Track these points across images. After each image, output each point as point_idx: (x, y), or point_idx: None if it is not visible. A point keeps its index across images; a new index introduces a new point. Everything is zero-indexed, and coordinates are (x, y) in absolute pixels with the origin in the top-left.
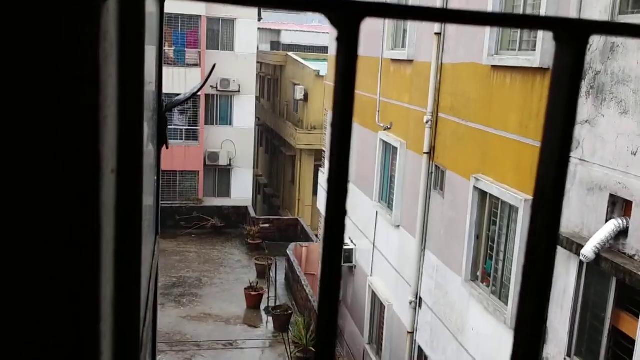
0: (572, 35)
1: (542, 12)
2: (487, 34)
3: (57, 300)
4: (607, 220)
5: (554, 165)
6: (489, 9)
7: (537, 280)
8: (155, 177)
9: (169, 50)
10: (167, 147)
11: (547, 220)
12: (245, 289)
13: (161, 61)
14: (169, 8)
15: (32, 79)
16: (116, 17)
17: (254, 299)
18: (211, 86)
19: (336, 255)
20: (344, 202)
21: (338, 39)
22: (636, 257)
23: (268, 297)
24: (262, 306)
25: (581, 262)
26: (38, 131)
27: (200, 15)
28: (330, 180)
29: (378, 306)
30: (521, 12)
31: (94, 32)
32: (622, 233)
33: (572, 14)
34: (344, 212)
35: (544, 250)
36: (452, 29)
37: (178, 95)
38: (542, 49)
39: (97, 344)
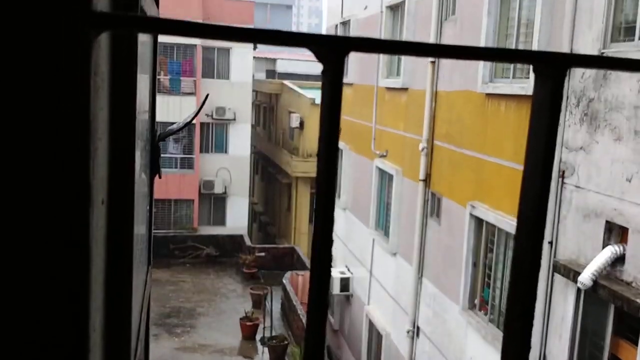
0: (551, 68)
1: (535, 40)
2: (481, 62)
3: (43, 331)
4: (603, 247)
5: (536, 195)
6: (482, 36)
7: (523, 296)
8: (148, 207)
9: (164, 79)
10: (159, 177)
11: (531, 245)
12: (240, 319)
13: (154, 90)
14: (164, 37)
15: (24, 112)
16: (108, 51)
17: (249, 330)
18: (206, 114)
19: (324, 282)
20: (330, 232)
21: (323, 72)
22: (633, 284)
23: (264, 327)
24: (258, 337)
25: (579, 290)
26: (28, 163)
27: (196, 45)
28: (317, 211)
29: (375, 335)
30: (514, 39)
31: (85, 67)
32: (619, 260)
33: (565, 41)
34: (330, 242)
35: (528, 270)
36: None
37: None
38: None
39: None
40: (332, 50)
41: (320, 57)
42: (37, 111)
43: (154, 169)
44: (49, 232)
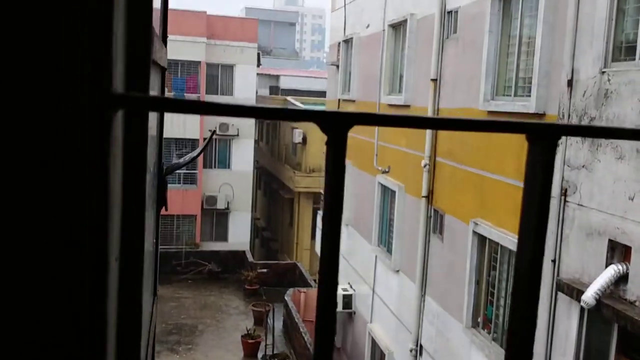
0: (543, 137)
1: (536, 58)
2: (483, 78)
3: None
4: (606, 266)
5: (531, 248)
6: (484, 55)
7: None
8: (154, 240)
9: (168, 96)
10: (166, 209)
11: (526, 308)
12: (242, 336)
13: (162, 127)
14: (168, 54)
15: (48, 181)
16: (123, 119)
17: (251, 347)
18: (210, 130)
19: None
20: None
21: (327, 143)
22: (637, 303)
23: (265, 345)
24: (260, 354)
25: (582, 309)
26: (53, 228)
27: (200, 61)
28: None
29: (378, 354)
30: (515, 58)
31: (105, 141)
32: (623, 278)
33: (566, 60)
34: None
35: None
36: (448, 74)
37: (177, 139)
38: (537, 95)
39: None
40: (337, 124)
41: (324, 130)
42: (62, 181)
43: (161, 202)
44: (68, 291)
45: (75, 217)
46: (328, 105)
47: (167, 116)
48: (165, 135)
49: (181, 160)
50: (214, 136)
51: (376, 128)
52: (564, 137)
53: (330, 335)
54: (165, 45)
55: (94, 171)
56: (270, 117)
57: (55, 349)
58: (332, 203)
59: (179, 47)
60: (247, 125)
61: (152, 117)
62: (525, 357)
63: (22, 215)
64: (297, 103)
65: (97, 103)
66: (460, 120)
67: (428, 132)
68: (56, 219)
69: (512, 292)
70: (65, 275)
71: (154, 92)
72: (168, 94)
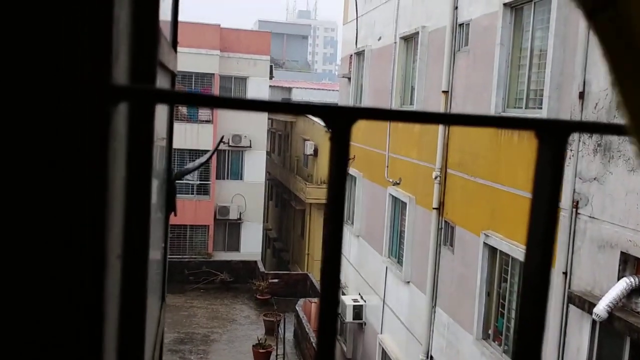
0: (552, 134)
1: (548, 70)
2: (494, 90)
3: None
4: (619, 279)
5: (540, 252)
6: (495, 67)
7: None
8: (163, 244)
9: (182, 107)
10: (175, 215)
11: (536, 311)
12: (253, 346)
13: (172, 133)
14: (183, 66)
15: (45, 177)
16: (126, 113)
17: (262, 357)
18: (223, 142)
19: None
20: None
21: (331, 139)
22: None
23: (277, 355)
24: None
25: (594, 321)
26: (49, 226)
27: (214, 74)
28: (322, 277)
29: None
30: (527, 70)
31: (104, 135)
32: (635, 291)
33: (578, 72)
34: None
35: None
36: (459, 86)
37: (191, 150)
38: (548, 107)
39: None
40: (341, 119)
41: (329, 125)
42: (59, 175)
43: (170, 207)
44: (64, 285)
45: (73, 212)
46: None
47: (181, 127)
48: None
49: (190, 165)
50: (227, 147)
51: (387, 140)
52: (575, 150)
53: (333, 335)
54: (176, 52)
55: (92, 165)
56: (272, 110)
57: (54, 349)
58: (334, 197)
59: (193, 60)
60: (259, 137)
61: (161, 119)
62: None
63: (18, 211)
64: (310, 116)
65: (96, 95)
66: (467, 116)
67: (439, 144)
68: (53, 215)
69: (521, 296)
70: (64, 273)
71: None
72: (182, 105)
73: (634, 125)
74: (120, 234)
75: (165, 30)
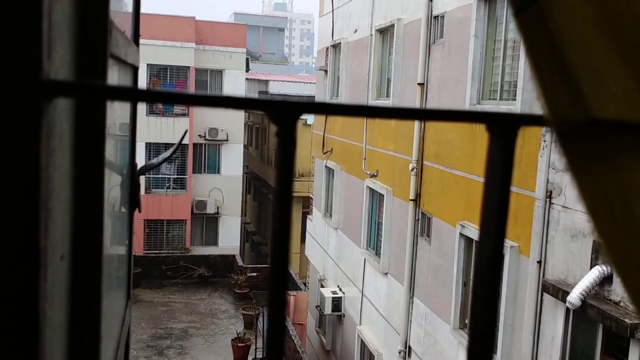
0: (503, 127)
1: (521, 61)
2: (469, 82)
3: None
4: (591, 267)
5: (490, 251)
6: (470, 59)
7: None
8: (127, 241)
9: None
10: (139, 211)
11: (487, 303)
12: (232, 340)
13: (135, 127)
14: (158, 59)
15: None
16: (71, 112)
17: (241, 351)
18: (199, 135)
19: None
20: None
21: (277, 134)
22: (621, 304)
23: (256, 348)
24: (250, 358)
25: (568, 309)
26: None
27: (189, 66)
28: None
29: (367, 356)
30: (501, 62)
31: (33, 134)
32: (607, 279)
33: None
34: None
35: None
36: (435, 78)
37: (167, 144)
38: (522, 98)
39: None
40: (285, 113)
41: (274, 120)
42: None
43: (134, 203)
44: None
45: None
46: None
47: (157, 121)
48: (155, 140)
49: (154, 160)
50: (204, 141)
51: (364, 133)
52: (548, 141)
53: (282, 316)
54: (137, 45)
55: (21, 161)
56: (217, 105)
57: None
58: (281, 192)
59: (168, 53)
60: (236, 130)
61: (123, 114)
62: (485, 353)
63: None
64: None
65: (22, 90)
66: (418, 110)
67: (415, 136)
68: None
69: (473, 288)
70: None
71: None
72: None
73: (551, 115)
74: (66, 233)
75: (125, 23)
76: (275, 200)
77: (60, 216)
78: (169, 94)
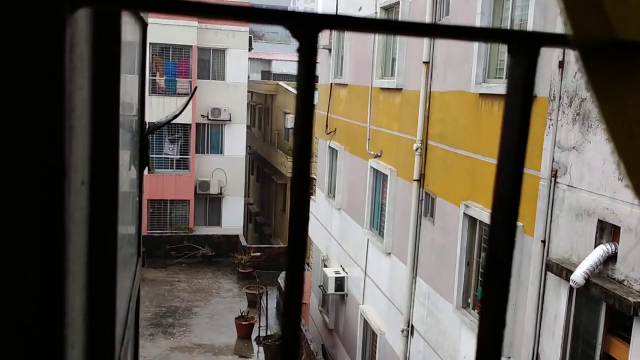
0: (524, 47)
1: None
2: (475, 62)
3: (20, 307)
4: (595, 246)
5: (510, 174)
6: (475, 44)
7: (498, 285)
8: (138, 198)
9: (160, 80)
10: (149, 170)
11: (506, 226)
12: (235, 318)
13: (143, 86)
14: (160, 38)
15: None
16: (89, 31)
17: (244, 329)
18: (202, 115)
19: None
20: (307, 206)
21: (298, 50)
22: (625, 282)
23: (259, 327)
24: (254, 336)
25: (571, 288)
26: None
27: (192, 46)
28: (293, 187)
29: (370, 335)
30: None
31: (59, 44)
32: (611, 258)
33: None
34: (306, 217)
35: (503, 256)
36: (440, 57)
37: (170, 124)
38: None
39: (62, 350)
40: (308, 26)
41: (295, 34)
42: (7, 87)
43: (144, 161)
44: (23, 208)
45: (23, 131)
46: (320, 89)
47: (160, 100)
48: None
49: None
50: (206, 121)
51: (368, 113)
52: (555, 119)
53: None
54: None
55: (46, 73)
56: (233, 18)
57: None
58: (303, 114)
59: (170, 31)
60: (239, 110)
61: (131, 80)
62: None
63: None
64: (290, 88)
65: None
66: (440, 27)
67: (420, 116)
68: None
69: (486, 260)
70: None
71: (134, 44)
72: (160, 78)
73: (575, 34)
74: (86, 158)
75: None
76: (296, 117)
77: (80, 138)
78: (200, 4)
